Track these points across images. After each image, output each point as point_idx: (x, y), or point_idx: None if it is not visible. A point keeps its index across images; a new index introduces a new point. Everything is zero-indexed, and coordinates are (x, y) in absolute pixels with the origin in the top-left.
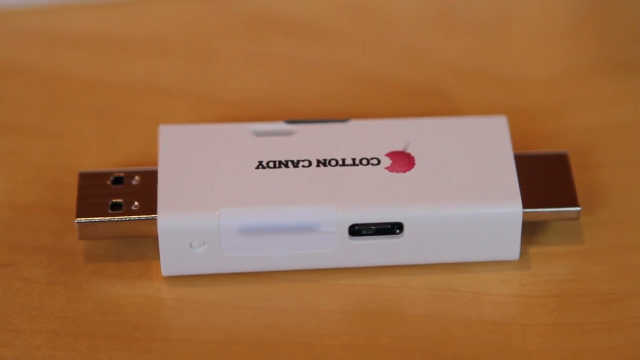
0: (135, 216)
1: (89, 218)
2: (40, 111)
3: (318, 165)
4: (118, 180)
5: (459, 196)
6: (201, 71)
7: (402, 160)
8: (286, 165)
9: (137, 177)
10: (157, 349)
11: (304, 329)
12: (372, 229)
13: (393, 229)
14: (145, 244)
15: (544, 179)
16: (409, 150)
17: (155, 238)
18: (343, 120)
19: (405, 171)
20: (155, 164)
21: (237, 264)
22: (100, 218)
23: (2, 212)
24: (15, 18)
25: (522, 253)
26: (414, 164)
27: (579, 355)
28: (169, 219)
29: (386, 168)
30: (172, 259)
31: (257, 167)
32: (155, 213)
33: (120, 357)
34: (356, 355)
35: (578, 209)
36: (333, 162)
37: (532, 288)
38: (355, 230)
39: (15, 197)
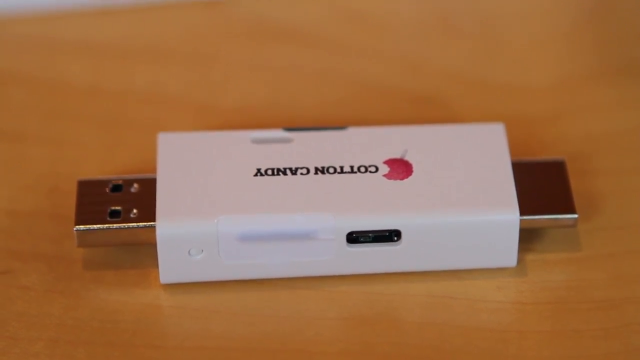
0: (133, 224)
1: (87, 226)
2: (40, 118)
3: (316, 173)
4: (117, 188)
5: (457, 203)
6: (201, 79)
7: (400, 168)
8: (284, 173)
9: (135, 185)
10: (155, 357)
11: (302, 336)
12: (369, 236)
13: (391, 236)
14: (144, 252)
15: (541, 186)
16: (406, 158)
17: (153, 245)
18: (341, 127)
19: (403, 179)
20: (155, 171)
21: (235, 272)
22: (99, 226)
23: (1, 219)
24: (15, 25)
25: (519, 260)
26: (411, 171)
27: None
28: (168, 227)
29: (384, 175)
30: (171, 266)
31: (256, 175)
32: (154, 220)
33: None
34: None
35: (575, 216)
36: (331, 170)
37: (529, 295)
38: (353, 238)
39: (14, 204)
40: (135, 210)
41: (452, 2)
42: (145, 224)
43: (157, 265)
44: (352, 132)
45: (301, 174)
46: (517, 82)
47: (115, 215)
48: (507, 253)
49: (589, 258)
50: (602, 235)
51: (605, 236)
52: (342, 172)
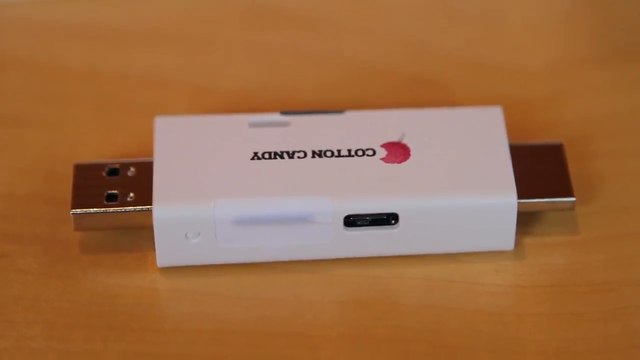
0: (130, 207)
1: (84, 209)
2: (37, 102)
3: (313, 157)
4: (113, 172)
5: (454, 187)
6: (198, 62)
7: (398, 151)
8: (281, 156)
9: (132, 169)
10: (152, 340)
11: (300, 319)
12: (367, 219)
13: (388, 219)
14: (141, 235)
15: (539, 170)
16: (404, 141)
17: (150, 229)
18: (339, 111)
19: (400, 162)
20: (152, 155)
21: (232, 255)
22: (95, 209)
23: None
24: (13, 9)
25: (517, 243)
26: (409, 154)
27: (574, 344)
28: (164, 210)
29: (381, 159)
30: (168, 249)
31: (253, 158)
32: (151, 204)
33: (116, 347)
34: (352, 346)
35: (573, 199)
36: (328, 153)
37: (527, 278)
38: (351, 221)
39: (11, 188)
40: (132, 194)
41: None
42: (142, 207)
43: (154, 249)
44: (350, 115)
45: (298, 157)
46: (515, 65)
47: (112, 199)
48: (505, 236)
49: (587, 241)
50: (600, 218)
51: (603, 219)
52: (339, 155)
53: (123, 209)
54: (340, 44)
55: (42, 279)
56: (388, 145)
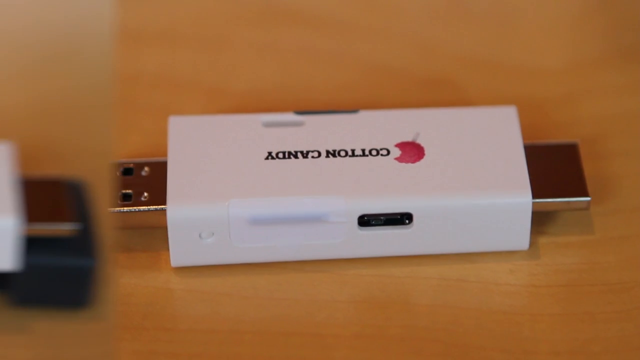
0: (144, 207)
1: None
2: None
3: (327, 156)
4: (127, 171)
5: (469, 186)
6: (212, 62)
7: (412, 151)
8: (295, 156)
9: (146, 168)
10: (166, 339)
11: (314, 319)
12: (381, 219)
13: (402, 219)
14: (155, 235)
15: (554, 169)
16: (418, 141)
17: (164, 229)
18: (353, 110)
19: (414, 162)
20: (166, 154)
21: (246, 255)
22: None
23: None
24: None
25: (532, 243)
26: (423, 154)
27: (589, 344)
28: (178, 210)
29: (396, 158)
30: (182, 249)
31: (267, 158)
32: (165, 204)
33: (130, 347)
34: (366, 345)
35: (588, 199)
36: (342, 153)
37: (542, 278)
38: (365, 221)
39: None
40: (146, 194)
41: None
42: (156, 207)
43: (168, 249)
44: (364, 115)
45: (312, 157)
46: (529, 65)
47: (126, 199)
48: (519, 236)
49: (602, 241)
50: (615, 218)
51: (618, 219)
52: (353, 155)
53: (137, 208)
54: (354, 44)
55: None
56: (402, 145)
